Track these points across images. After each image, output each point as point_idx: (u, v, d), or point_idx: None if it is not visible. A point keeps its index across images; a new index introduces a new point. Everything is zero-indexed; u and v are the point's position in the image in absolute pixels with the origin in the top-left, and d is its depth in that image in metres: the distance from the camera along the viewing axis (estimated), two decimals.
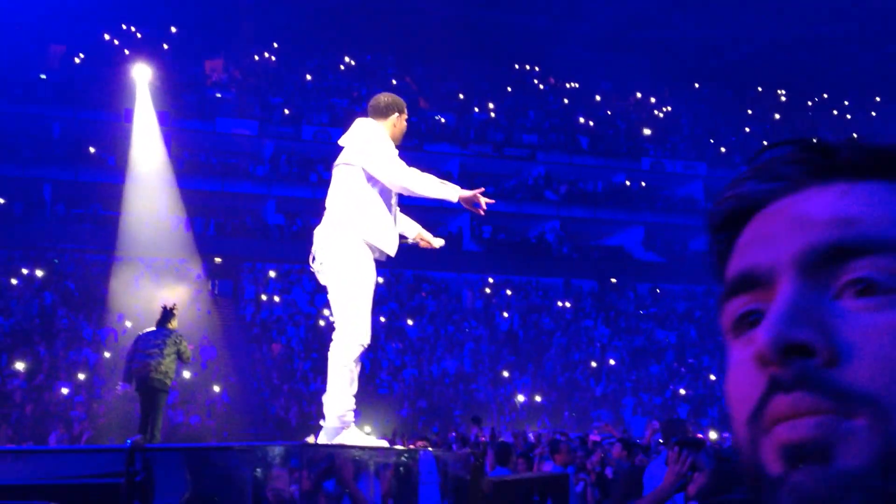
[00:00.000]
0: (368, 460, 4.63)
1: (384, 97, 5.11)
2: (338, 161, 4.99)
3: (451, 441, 12.43)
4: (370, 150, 4.81)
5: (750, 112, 32.74)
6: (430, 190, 4.81)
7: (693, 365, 22.80)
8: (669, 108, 32.30)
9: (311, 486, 3.96)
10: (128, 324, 19.03)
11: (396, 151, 4.98)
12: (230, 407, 18.36)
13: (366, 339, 4.82)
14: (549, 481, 7.79)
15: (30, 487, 3.33)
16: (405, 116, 5.09)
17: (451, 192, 4.77)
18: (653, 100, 32.43)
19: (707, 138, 31.07)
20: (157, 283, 21.10)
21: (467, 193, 4.75)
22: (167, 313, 9.26)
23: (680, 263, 27.67)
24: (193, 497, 3.51)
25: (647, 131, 31.00)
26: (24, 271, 20.96)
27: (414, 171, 4.84)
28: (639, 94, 32.53)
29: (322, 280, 4.94)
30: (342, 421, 4.92)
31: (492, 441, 11.41)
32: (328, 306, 5.09)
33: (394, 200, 4.99)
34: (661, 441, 10.82)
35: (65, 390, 16.88)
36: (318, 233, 4.93)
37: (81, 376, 17.54)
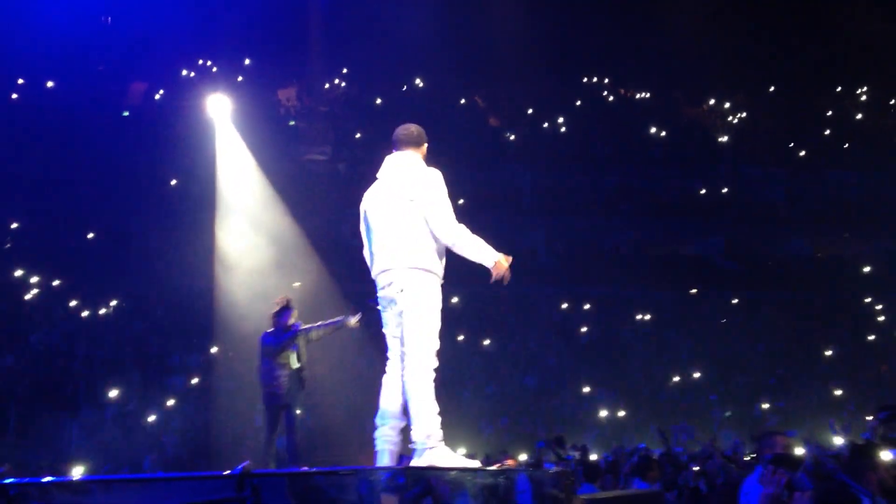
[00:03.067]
0: (466, 482, 4.65)
1: (414, 127, 5.42)
2: (398, 194, 5.20)
3: (539, 459, 12.34)
4: (435, 201, 5.12)
5: (830, 113, 31.83)
6: (473, 254, 5.13)
7: (782, 375, 22.15)
8: (745, 114, 31.64)
9: None
10: (213, 350, 19.51)
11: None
12: (311, 430, 18.58)
13: (435, 363, 5.22)
14: (642, 499, 7.66)
15: None
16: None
17: (488, 257, 5.10)
18: (727, 105, 31.83)
19: (786, 142, 30.29)
20: (241, 308, 21.55)
21: (502, 264, 5.08)
22: (279, 311, 8.37)
23: (763, 271, 27.00)
24: None
25: (722, 138, 30.42)
26: (114, 302, 21.69)
27: (465, 231, 5.17)
28: (712, 101, 31.98)
29: (393, 307, 5.22)
30: (433, 441, 5.15)
31: (583, 458, 11.29)
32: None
33: None
34: (752, 455, 10.52)
35: (154, 417, 17.33)
36: (394, 264, 5.17)
37: (171, 402, 18.00)
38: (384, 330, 5.41)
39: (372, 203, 5.47)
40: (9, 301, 20.67)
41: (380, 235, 5.31)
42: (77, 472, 12.53)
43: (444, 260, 5.28)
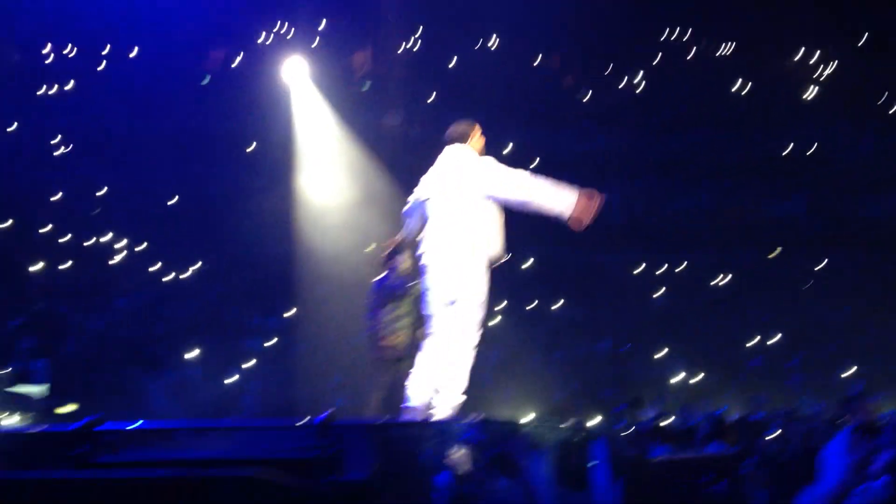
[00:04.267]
0: (542, 437, 4.70)
1: (462, 125, 6.00)
2: (458, 191, 5.72)
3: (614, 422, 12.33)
4: (480, 171, 5.65)
5: None
6: (546, 193, 5.60)
7: (866, 341, 21.56)
8: (833, 68, 30.36)
9: (488, 463, 4.06)
10: (294, 310, 19.96)
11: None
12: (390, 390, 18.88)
13: (477, 341, 5.76)
14: (719, 461, 7.60)
15: (235, 461, 3.59)
16: (481, 133, 5.91)
17: (566, 196, 5.60)
18: (814, 59, 30.60)
19: (876, 97, 29.05)
20: (314, 272, 21.97)
21: (583, 200, 5.57)
22: (392, 252, 7.57)
23: (849, 233, 26.14)
24: (380, 471, 3.68)
25: (808, 94, 29.37)
26: (195, 266, 22.33)
27: (523, 174, 5.66)
28: (798, 55, 30.78)
29: (444, 294, 5.69)
30: (454, 410, 5.59)
31: (655, 422, 11.25)
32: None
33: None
34: (838, 420, 10.31)
35: (234, 377, 17.88)
36: (453, 261, 5.66)
37: (251, 364, 18.52)
38: (429, 298, 5.74)
39: (431, 195, 5.82)
40: (97, 266, 21.48)
41: (441, 230, 5.74)
42: None
43: (496, 234, 5.70)
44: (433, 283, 5.73)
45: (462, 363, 5.64)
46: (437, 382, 5.61)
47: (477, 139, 5.93)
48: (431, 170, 5.95)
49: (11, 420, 7.74)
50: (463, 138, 5.91)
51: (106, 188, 24.43)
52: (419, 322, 7.38)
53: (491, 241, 5.69)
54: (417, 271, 7.06)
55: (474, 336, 5.67)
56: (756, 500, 8.55)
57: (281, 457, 3.70)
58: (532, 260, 22.42)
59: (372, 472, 3.73)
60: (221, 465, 3.58)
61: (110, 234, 22.31)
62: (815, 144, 28.19)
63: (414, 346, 7.31)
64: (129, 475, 3.16)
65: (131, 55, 26.57)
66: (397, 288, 7.51)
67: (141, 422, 4.15)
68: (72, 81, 25.15)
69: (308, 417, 3.86)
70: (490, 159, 5.72)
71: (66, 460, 3.49)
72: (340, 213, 20.59)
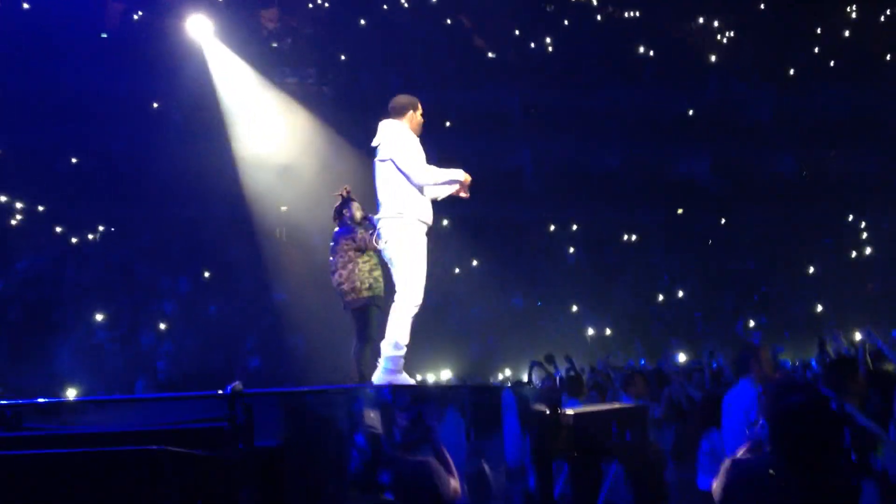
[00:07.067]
0: (454, 398, 4.78)
1: (400, 98, 6.10)
2: (378, 157, 5.98)
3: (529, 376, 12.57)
4: (399, 153, 5.78)
5: (819, 30, 31.40)
6: (443, 179, 5.87)
7: (766, 293, 22.51)
8: (733, 33, 31.17)
9: (402, 425, 4.11)
10: (206, 273, 19.57)
11: (418, 145, 6.01)
12: (305, 352, 18.81)
13: (420, 300, 5.87)
14: (627, 413, 7.85)
15: (142, 434, 3.53)
16: (420, 111, 6.03)
17: (457, 173, 5.89)
18: (716, 24, 31.32)
19: (775, 60, 29.97)
20: (225, 234, 21.54)
21: (467, 177, 5.89)
22: (341, 204, 7.19)
23: (750, 190, 27.06)
24: (292, 438, 3.69)
25: (712, 57, 30.05)
26: (101, 227, 21.63)
27: (430, 169, 5.87)
28: (701, 20, 31.45)
29: (385, 256, 6.06)
30: (396, 365, 5.77)
31: (568, 374, 11.53)
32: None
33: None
34: (736, 368, 10.75)
35: (146, 341, 17.50)
36: (380, 222, 6.00)
37: (162, 326, 18.14)
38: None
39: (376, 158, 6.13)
40: None
41: (378, 192, 6.08)
42: (71, 394, 12.69)
43: (421, 201, 5.89)
44: (380, 240, 6.10)
45: (397, 320, 5.77)
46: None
47: (413, 116, 6.01)
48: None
49: None
50: (399, 113, 6.01)
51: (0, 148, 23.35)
52: (380, 272, 7.21)
53: (417, 205, 5.97)
54: (368, 221, 7.09)
55: (410, 294, 5.80)
56: (662, 446, 8.91)
57: (189, 427, 3.66)
58: (448, 220, 22.52)
59: (283, 439, 3.73)
60: (128, 438, 3.52)
61: (7, 195, 21.35)
62: (717, 105, 28.95)
63: (379, 297, 7.19)
64: (32, 452, 3.08)
65: (24, 6, 25.22)
66: (344, 234, 7.23)
67: (42, 399, 4.02)
68: None
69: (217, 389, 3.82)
70: (410, 146, 5.89)
71: None
72: (255, 172, 20.19)
